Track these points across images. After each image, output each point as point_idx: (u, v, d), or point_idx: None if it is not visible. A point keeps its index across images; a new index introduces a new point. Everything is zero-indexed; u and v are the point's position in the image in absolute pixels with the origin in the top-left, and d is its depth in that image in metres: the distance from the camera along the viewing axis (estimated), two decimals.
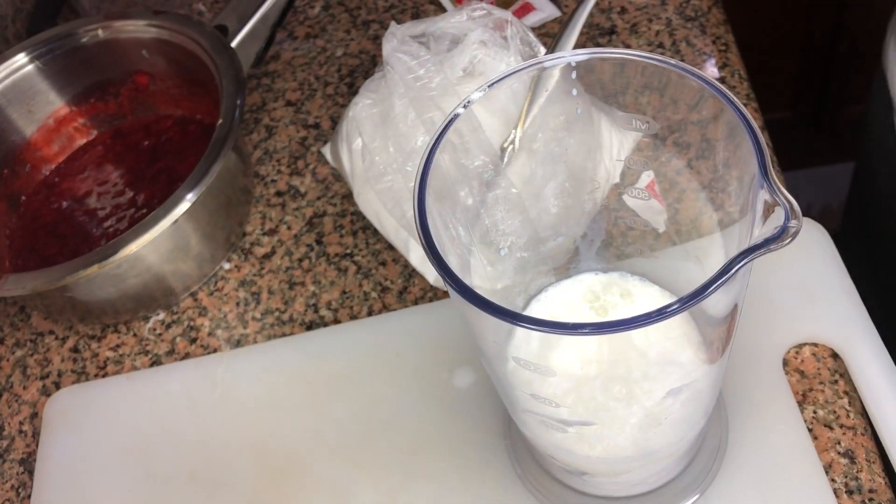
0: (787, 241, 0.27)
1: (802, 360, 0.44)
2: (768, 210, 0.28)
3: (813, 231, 0.47)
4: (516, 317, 0.27)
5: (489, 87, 0.33)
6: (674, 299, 0.38)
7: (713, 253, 0.34)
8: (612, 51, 0.34)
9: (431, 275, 0.51)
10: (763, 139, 0.29)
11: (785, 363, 0.44)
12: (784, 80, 1.24)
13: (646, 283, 0.38)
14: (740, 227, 0.32)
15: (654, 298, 0.37)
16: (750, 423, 0.42)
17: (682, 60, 0.57)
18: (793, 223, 0.27)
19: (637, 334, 0.27)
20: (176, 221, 0.48)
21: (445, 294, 0.52)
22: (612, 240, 0.39)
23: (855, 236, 0.80)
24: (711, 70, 0.56)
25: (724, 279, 0.26)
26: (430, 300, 0.52)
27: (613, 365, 0.33)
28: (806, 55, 1.20)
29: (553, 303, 0.38)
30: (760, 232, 0.27)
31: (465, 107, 0.33)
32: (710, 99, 0.32)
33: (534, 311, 0.39)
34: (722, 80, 0.56)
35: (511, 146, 0.48)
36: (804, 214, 0.50)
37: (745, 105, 0.54)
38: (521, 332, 0.35)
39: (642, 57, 0.33)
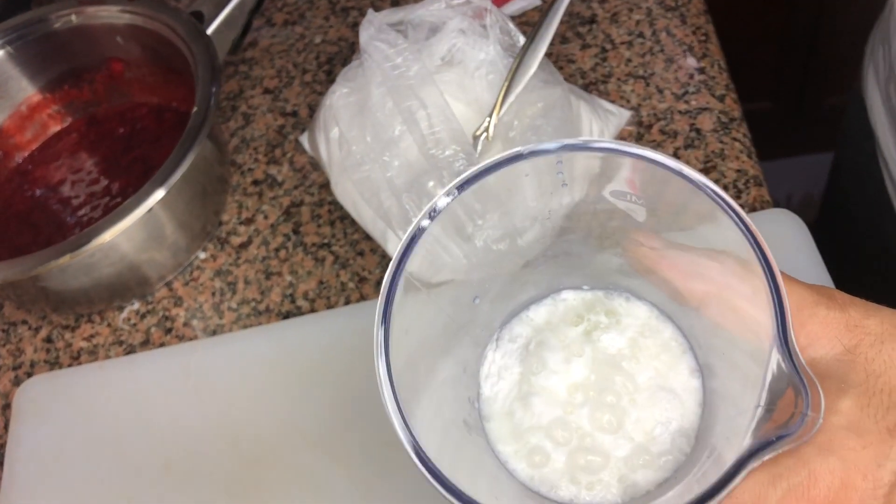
0: (807, 436, 0.24)
1: None
2: (779, 382, 0.25)
3: (790, 222, 0.47)
4: None
5: (458, 188, 0.29)
6: (660, 321, 0.35)
7: (711, 294, 0.32)
8: (601, 142, 0.29)
9: (410, 265, 0.51)
10: (786, 297, 0.26)
11: None
12: (765, 71, 1.25)
13: (631, 301, 0.36)
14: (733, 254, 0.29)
15: (641, 319, 0.35)
16: None
17: (662, 51, 0.57)
18: (811, 414, 0.24)
19: None
20: (150, 210, 0.48)
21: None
22: (609, 243, 0.37)
23: (832, 226, 0.81)
24: (690, 61, 0.56)
25: (732, 483, 0.24)
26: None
27: (600, 394, 0.33)
28: (787, 45, 1.21)
29: (533, 324, 0.36)
30: (774, 417, 0.24)
31: (430, 217, 0.29)
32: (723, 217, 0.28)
33: (513, 332, 0.36)
34: (702, 70, 0.56)
35: (484, 134, 0.48)
36: (785, 204, 0.50)
37: (724, 95, 0.55)
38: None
39: (640, 157, 0.29)
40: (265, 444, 0.46)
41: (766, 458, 0.24)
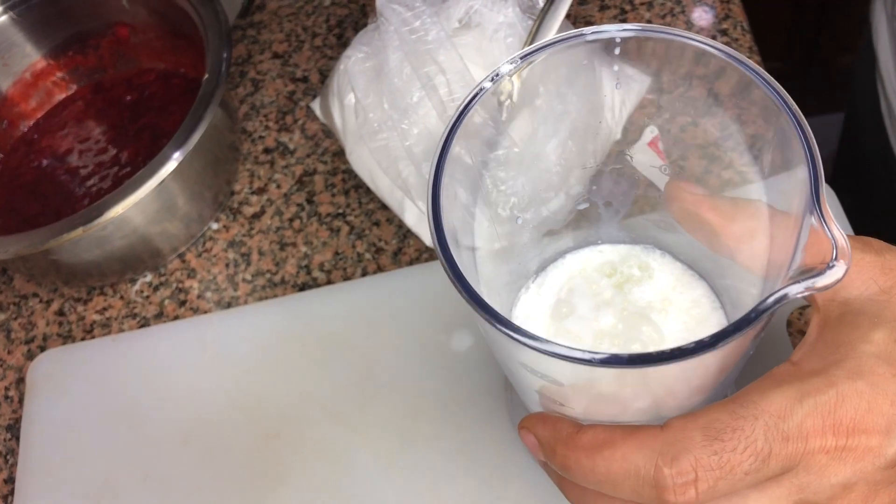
0: (832, 282, 0.24)
1: (806, 322, 0.44)
2: (814, 239, 0.25)
3: None
4: (533, 338, 0.25)
5: (521, 58, 0.30)
6: (694, 278, 0.36)
7: (746, 238, 0.32)
8: (646, 27, 0.31)
9: (427, 236, 0.50)
10: (820, 162, 0.27)
11: (789, 324, 0.44)
12: (776, 30, 1.22)
13: (667, 259, 0.36)
14: (783, 229, 0.30)
15: (675, 275, 0.35)
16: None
17: (683, 12, 0.56)
18: (839, 264, 0.24)
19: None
20: (162, 181, 0.47)
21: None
22: (636, 209, 0.37)
23: (846, 187, 0.80)
24: (712, 22, 0.55)
25: (754, 322, 0.24)
26: (426, 261, 0.50)
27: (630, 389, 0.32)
28: (800, 3, 1.18)
29: (568, 272, 0.37)
30: (803, 261, 0.25)
31: (492, 80, 0.30)
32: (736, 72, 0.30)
33: (548, 277, 0.37)
34: (724, 31, 0.54)
35: (508, 100, 0.47)
36: None
37: (748, 57, 0.53)
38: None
39: (677, 36, 0.31)
40: (283, 417, 0.46)
41: (794, 296, 0.24)
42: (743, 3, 0.57)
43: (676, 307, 0.34)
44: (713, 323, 0.34)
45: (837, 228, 0.25)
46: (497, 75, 0.30)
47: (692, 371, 0.31)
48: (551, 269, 0.37)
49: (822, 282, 0.24)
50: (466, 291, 0.27)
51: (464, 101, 0.29)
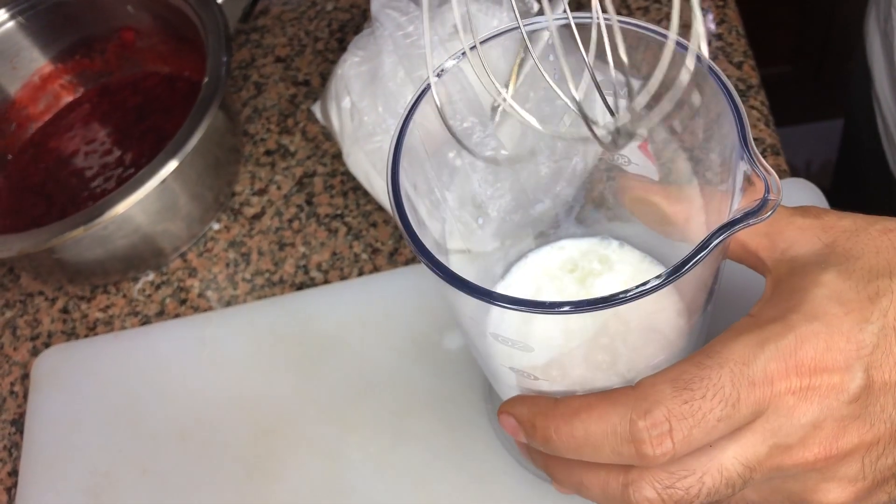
0: (767, 214, 0.26)
1: None
2: (748, 182, 0.27)
3: (807, 191, 0.47)
4: (492, 296, 0.27)
5: (462, 53, 0.31)
6: (653, 265, 0.38)
7: (694, 217, 0.34)
8: (587, 15, 0.32)
9: (430, 230, 0.51)
10: (742, 107, 0.28)
11: None
12: (784, 34, 1.22)
13: (625, 249, 0.37)
14: (721, 194, 0.31)
15: (633, 264, 0.37)
16: None
17: (679, 17, 0.56)
18: (772, 196, 0.26)
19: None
20: (164, 181, 0.48)
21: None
22: (592, 204, 0.39)
23: (846, 192, 0.80)
24: (709, 26, 0.55)
25: (701, 255, 0.26)
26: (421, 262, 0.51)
27: (595, 336, 0.33)
28: (806, 8, 1.18)
29: (532, 272, 0.38)
30: (740, 205, 0.27)
31: (438, 75, 0.31)
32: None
33: (513, 279, 0.38)
34: (719, 36, 0.55)
35: (501, 106, 0.48)
36: (803, 173, 0.50)
37: (742, 62, 0.54)
38: (497, 308, 0.34)
39: (621, 23, 0.31)
40: (279, 414, 0.47)
41: (735, 229, 0.26)
42: (750, 6, 0.58)
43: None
44: (671, 307, 0.35)
45: (767, 166, 0.27)
46: (443, 70, 0.31)
47: (653, 315, 0.32)
48: (515, 269, 0.38)
49: (761, 214, 0.26)
50: (418, 249, 0.28)
51: (413, 96, 0.31)
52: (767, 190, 0.26)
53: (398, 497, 0.43)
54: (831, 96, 1.23)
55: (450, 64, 0.31)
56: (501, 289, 0.38)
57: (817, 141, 1.25)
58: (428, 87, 0.31)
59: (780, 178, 0.49)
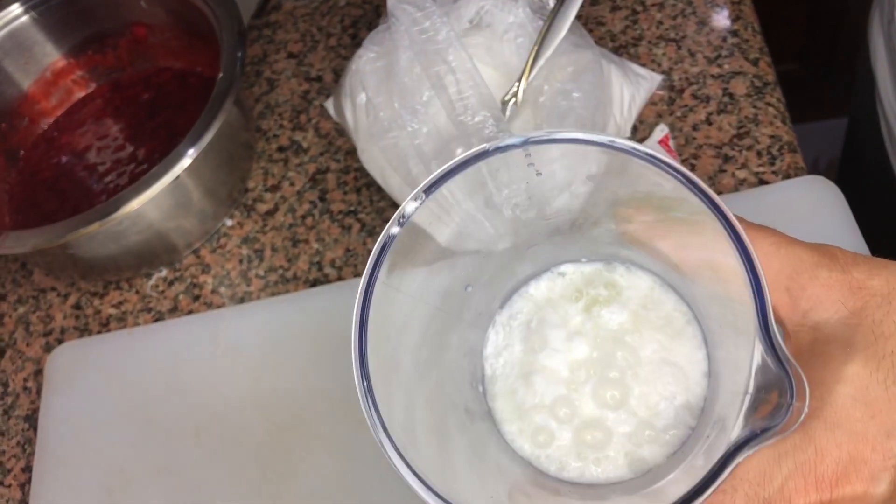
0: (792, 427, 0.23)
1: None
2: (765, 372, 0.24)
3: (826, 189, 0.46)
4: None
5: (424, 191, 0.29)
6: (664, 292, 0.34)
7: (703, 259, 0.31)
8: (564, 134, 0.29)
9: (438, 235, 0.51)
10: (765, 285, 0.24)
11: None
12: (794, 31, 1.22)
13: (632, 272, 0.34)
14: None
15: (642, 291, 0.34)
16: None
17: (694, 13, 0.56)
18: (796, 403, 0.23)
19: None
20: (177, 178, 0.48)
21: (452, 254, 0.52)
22: (590, 223, 0.35)
23: (849, 192, 0.80)
24: (723, 24, 0.55)
25: (714, 486, 0.23)
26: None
27: (603, 369, 0.32)
28: (816, 5, 1.18)
29: (533, 301, 0.35)
30: (753, 399, 0.24)
31: (399, 224, 0.29)
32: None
33: (514, 309, 0.35)
34: (735, 33, 0.54)
35: (513, 99, 0.47)
36: (811, 170, 0.50)
37: (758, 59, 0.53)
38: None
39: (605, 145, 0.28)
40: (294, 410, 0.47)
41: (753, 451, 0.23)
42: (758, 4, 0.57)
43: (648, 326, 0.33)
44: (688, 337, 0.32)
45: (792, 360, 0.23)
46: (403, 217, 0.29)
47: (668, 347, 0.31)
48: (516, 299, 0.35)
49: (781, 427, 0.23)
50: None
51: (376, 250, 0.28)
52: (792, 395, 0.23)
53: (413, 494, 0.43)
54: (840, 94, 1.23)
55: (411, 208, 0.29)
56: (501, 321, 0.35)
57: (825, 139, 1.25)
58: (388, 241, 0.29)
59: (797, 175, 0.49)
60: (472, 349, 0.35)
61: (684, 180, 0.26)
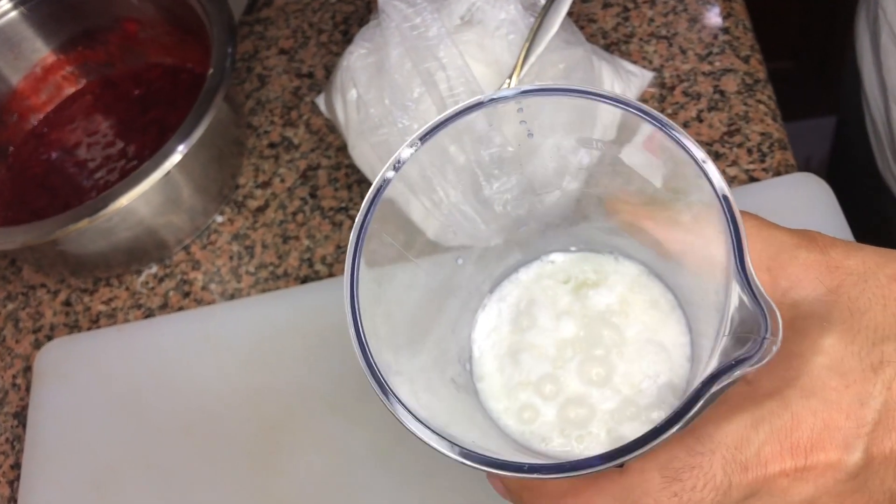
0: (765, 359, 0.23)
1: None
2: (742, 311, 0.24)
3: (816, 186, 0.47)
4: (521, 468, 0.25)
5: (420, 139, 0.29)
6: (650, 279, 0.35)
7: (689, 242, 0.31)
8: (555, 87, 0.29)
9: (429, 230, 0.51)
10: (741, 224, 0.25)
11: None
12: (786, 29, 1.22)
13: (621, 261, 0.35)
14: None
15: (630, 276, 0.35)
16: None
17: (686, 10, 0.56)
18: (769, 337, 0.23)
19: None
20: (167, 174, 0.47)
21: (443, 250, 0.52)
22: (580, 217, 0.36)
23: (836, 190, 0.80)
24: (714, 21, 0.55)
25: (685, 419, 0.23)
26: (428, 255, 0.51)
27: (588, 347, 0.33)
28: (809, 2, 1.18)
29: (524, 284, 0.36)
30: (730, 340, 0.24)
31: (395, 169, 0.29)
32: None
33: (504, 293, 0.36)
34: (726, 30, 0.55)
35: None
36: (804, 168, 0.50)
37: (749, 56, 0.53)
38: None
39: (592, 96, 0.29)
40: (284, 407, 0.47)
41: (727, 382, 0.24)
42: (749, 1, 0.58)
43: (635, 308, 0.34)
44: (674, 321, 0.33)
45: (767, 297, 0.24)
46: (399, 162, 0.29)
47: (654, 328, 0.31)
48: (506, 283, 0.36)
49: (756, 359, 0.23)
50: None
51: (370, 194, 0.29)
52: (766, 329, 0.23)
53: (403, 491, 0.43)
54: (833, 92, 1.23)
55: (406, 153, 0.29)
56: (492, 303, 0.36)
57: (817, 136, 1.25)
58: (383, 184, 0.29)
59: (788, 172, 0.49)
60: (457, 329, 0.36)
61: (657, 123, 0.28)
